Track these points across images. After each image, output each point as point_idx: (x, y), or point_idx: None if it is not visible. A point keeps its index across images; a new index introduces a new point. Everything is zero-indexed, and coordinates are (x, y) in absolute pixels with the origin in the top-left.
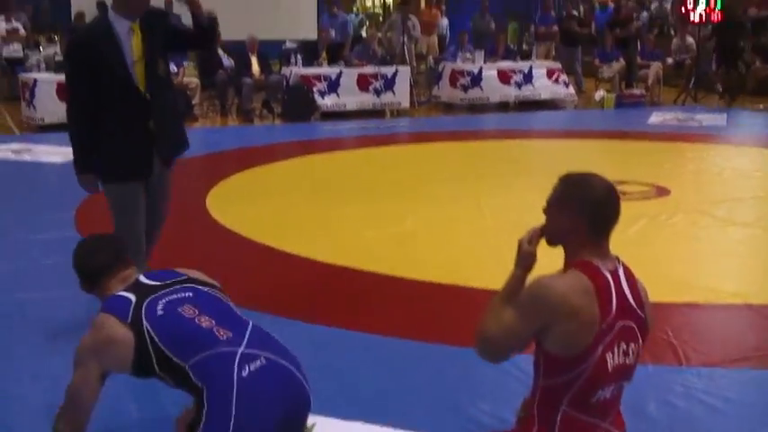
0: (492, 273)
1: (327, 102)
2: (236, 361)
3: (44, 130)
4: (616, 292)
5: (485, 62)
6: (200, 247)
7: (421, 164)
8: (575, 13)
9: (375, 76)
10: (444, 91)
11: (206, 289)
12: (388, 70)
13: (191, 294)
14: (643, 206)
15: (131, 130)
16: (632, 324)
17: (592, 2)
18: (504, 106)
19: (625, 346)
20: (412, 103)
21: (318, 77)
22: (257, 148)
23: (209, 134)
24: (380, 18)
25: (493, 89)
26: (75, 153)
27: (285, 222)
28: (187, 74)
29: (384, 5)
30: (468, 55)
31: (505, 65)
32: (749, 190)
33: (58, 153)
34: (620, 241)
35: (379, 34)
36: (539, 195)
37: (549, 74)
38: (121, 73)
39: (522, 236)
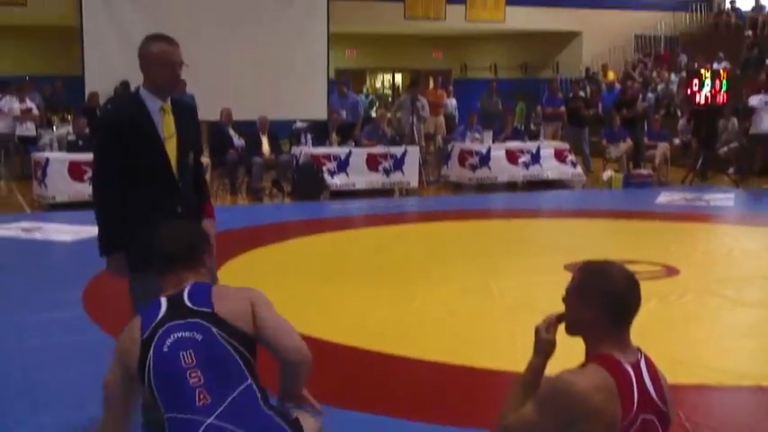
0: (503, 353)
1: (337, 181)
2: (195, 425)
3: (54, 209)
4: (638, 386)
5: (493, 142)
6: None
7: (430, 243)
8: (581, 93)
9: (384, 156)
10: (453, 170)
11: (220, 336)
12: (397, 150)
13: (200, 338)
14: (652, 286)
15: (161, 212)
16: (653, 418)
17: (599, 83)
18: (512, 186)
19: None
20: (421, 182)
21: (328, 157)
22: (266, 227)
23: (218, 213)
24: (389, 99)
25: (501, 169)
26: (103, 233)
27: (294, 302)
28: None
29: (393, 86)
30: (476, 135)
31: (513, 145)
32: (758, 270)
33: (68, 231)
34: None
35: (389, 115)
36: (548, 276)
37: (557, 154)
38: (155, 148)
39: (539, 323)
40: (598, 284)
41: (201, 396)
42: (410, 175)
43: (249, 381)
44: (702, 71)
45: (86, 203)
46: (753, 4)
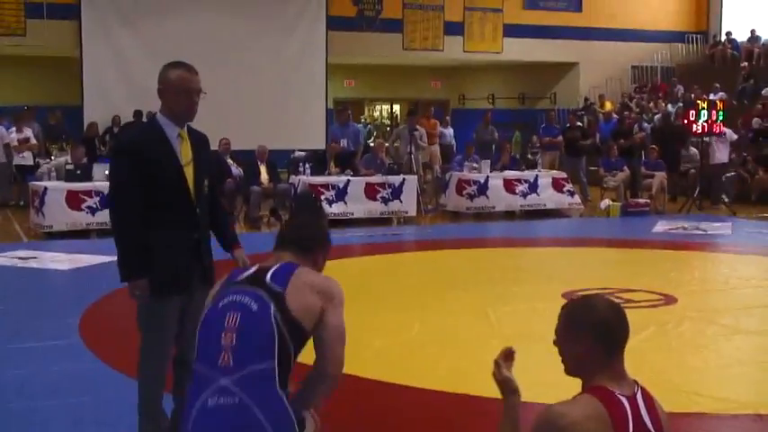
0: None
1: (335, 209)
2: (211, 389)
3: (51, 237)
4: (633, 419)
5: (490, 171)
6: None
7: (428, 271)
8: (578, 123)
9: (383, 185)
10: (451, 199)
11: (274, 317)
12: (395, 179)
13: (254, 308)
14: (650, 314)
15: (178, 237)
16: None
17: (596, 113)
18: (510, 215)
19: None
20: (419, 211)
21: (326, 186)
22: (264, 256)
23: (215, 241)
24: (387, 128)
25: (499, 198)
26: (125, 258)
27: None
28: None
29: (392, 116)
30: (474, 164)
31: (511, 174)
32: (756, 298)
33: (65, 260)
34: (628, 350)
35: (387, 144)
36: (546, 304)
37: (555, 183)
38: (174, 173)
39: (492, 369)
40: (586, 317)
41: (225, 357)
42: (408, 203)
43: (275, 364)
44: (699, 102)
45: (84, 232)
46: (748, 35)
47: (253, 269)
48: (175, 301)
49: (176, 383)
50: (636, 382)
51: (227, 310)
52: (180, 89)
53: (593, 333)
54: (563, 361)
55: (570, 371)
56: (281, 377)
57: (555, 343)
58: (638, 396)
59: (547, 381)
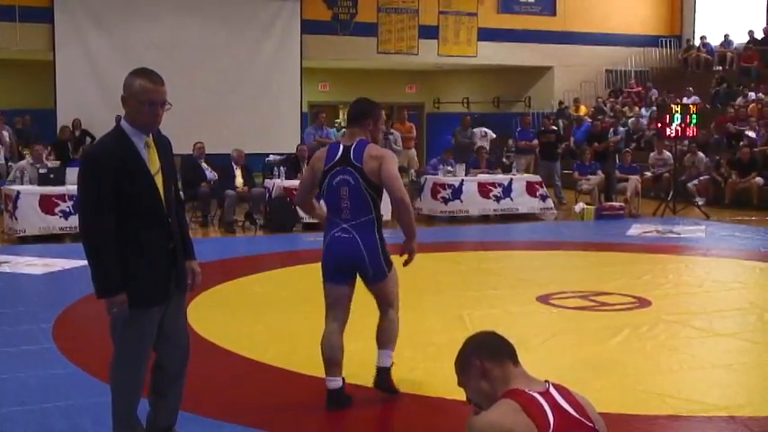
0: None
1: None
2: (339, 227)
3: (25, 242)
4: (553, 410)
5: (466, 175)
6: None
7: (402, 275)
8: (553, 127)
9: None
10: (426, 203)
11: (362, 183)
12: None
13: (352, 182)
14: (624, 317)
15: (155, 248)
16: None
17: (570, 117)
18: (484, 218)
19: None
20: (394, 214)
21: None
22: (239, 260)
23: None
24: None
25: (473, 202)
26: (101, 272)
27: (266, 334)
28: None
29: None
30: (449, 168)
31: (486, 178)
32: (729, 301)
33: (38, 264)
34: (602, 352)
35: None
36: (521, 307)
37: (529, 187)
38: (146, 184)
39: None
40: (466, 349)
41: (345, 212)
42: (383, 207)
43: (372, 215)
44: (672, 106)
45: (57, 236)
46: (722, 39)
47: (341, 150)
48: (154, 311)
49: (153, 387)
50: (547, 381)
51: (339, 185)
52: (143, 100)
53: (478, 355)
54: (475, 403)
55: (486, 403)
56: (377, 223)
57: (462, 386)
58: (551, 390)
59: None
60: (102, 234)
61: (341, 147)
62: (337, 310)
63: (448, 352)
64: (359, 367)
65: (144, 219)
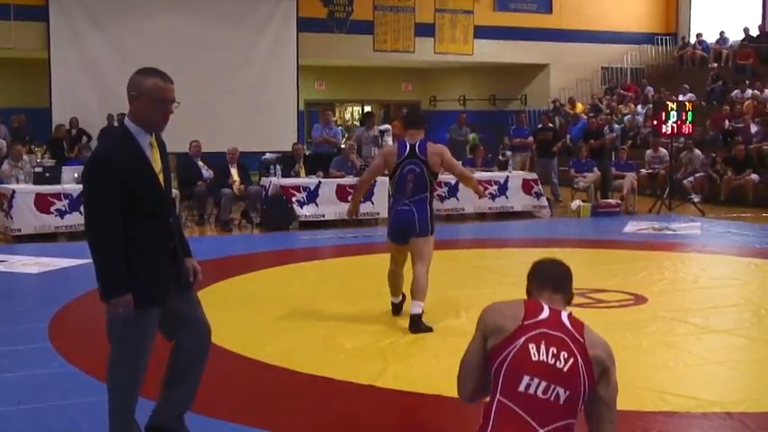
0: None
1: (306, 212)
2: (401, 203)
3: (20, 241)
4: (550, 318)
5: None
6: None
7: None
8: (550, 125)
9: (354, 187)
10: None
11: (425, 171)
12: None
13: (417, 171)
14: (621, 314)
15: (158, 248)
16: (564, 337)
17: (566, 114)
18: (480, 216)
19: (555, 351)
20: (348, 214)
21: (297, 188)
22: (235, 258)
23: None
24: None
25: (468, 200)
26: (108, 273)
27: (262, 332)
28: None
29: (363, 116)
30: None
31: (482, 176)
32: (725, 298)
33: (34, 264)
34: None
35: (360, 145)
36: None
37: (525, 185)
38: (151, 184)
39: None
40: (533, 265)
41: (408, 192)
42: (380, 205)
43: (427, 194)
44: (668, 103)
45: (53, 235)
46: (717, 36)
47: (408, 146)
48: (155, 312)
49: (170, 376)
50: (572, 314)
51: (408, 173)
52: (155, 98)
53: (531, 270)
54: None
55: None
56: (430, 200)
57: None
58: (564, 314)
59: None
60: (111, 236)
61: (407, 144)
62: (394, 258)
63: (445, 350)
64: (357, 366)
65: (147, 218)
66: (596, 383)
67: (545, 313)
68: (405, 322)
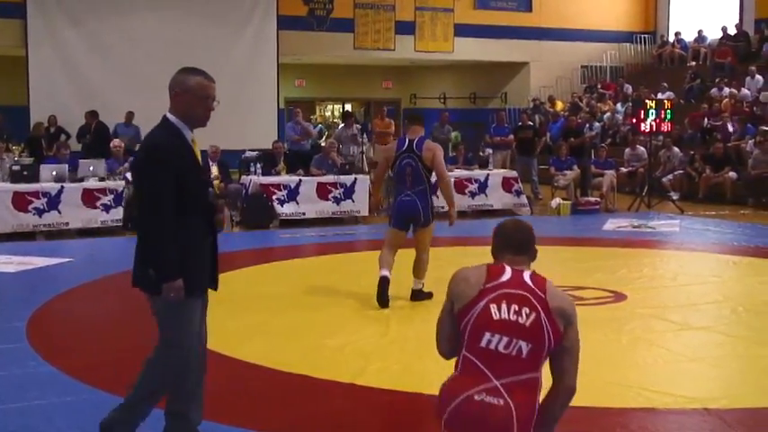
0: None
1: (286, 210)
2: (404, 194)
3: None
4: (512, 277)
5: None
6: None
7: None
8: (530, 123)
9: (335, 185)
10: None
11: (419, 165)
12: (347, 179)
13: (413, 164)
14: (599, 311)
15: (203, 239)
16: (526, 294)
17: (546, 113)
18: (461, 214)
19: (517, 308)
20: (371, 210)
21: (278, 186)
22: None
23: None
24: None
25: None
26: (165, 257)
27: (245, 331)
28: None
29: (343, 115)
30: None
31: (462, 174)
32: (704, 295)
33: (11, 262)
34: None
35: (340, 144)
36: None
37: (505, 183)
38: (199, 178)
39: None
40: (497, 227)
41: (408, 183)
42: (360, 203)
43: (425, 185)
44: (647, 101)
45: (30, 234)
46: (695, 35)
47: (406, 142)
48: (199, 301)
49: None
50: (534, 272)
51: (406, 166)
52: (200, 95)
53: (494, 233)
54: None
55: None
56: (429, 191)
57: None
58: (527, 273)
59: None
60: (166, 223)
61: (407, 139)
62: (391, 243)
63: (424, 349)
64: (339, 364)
65: (195, 212)
66: (563, 335)
67: (507, 275)
68: (386, 321)
